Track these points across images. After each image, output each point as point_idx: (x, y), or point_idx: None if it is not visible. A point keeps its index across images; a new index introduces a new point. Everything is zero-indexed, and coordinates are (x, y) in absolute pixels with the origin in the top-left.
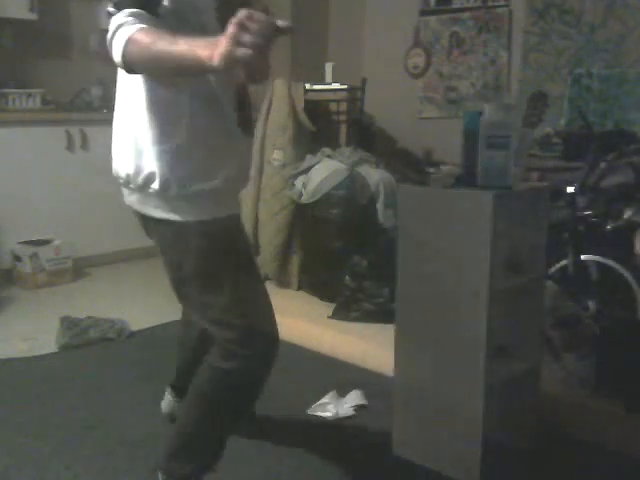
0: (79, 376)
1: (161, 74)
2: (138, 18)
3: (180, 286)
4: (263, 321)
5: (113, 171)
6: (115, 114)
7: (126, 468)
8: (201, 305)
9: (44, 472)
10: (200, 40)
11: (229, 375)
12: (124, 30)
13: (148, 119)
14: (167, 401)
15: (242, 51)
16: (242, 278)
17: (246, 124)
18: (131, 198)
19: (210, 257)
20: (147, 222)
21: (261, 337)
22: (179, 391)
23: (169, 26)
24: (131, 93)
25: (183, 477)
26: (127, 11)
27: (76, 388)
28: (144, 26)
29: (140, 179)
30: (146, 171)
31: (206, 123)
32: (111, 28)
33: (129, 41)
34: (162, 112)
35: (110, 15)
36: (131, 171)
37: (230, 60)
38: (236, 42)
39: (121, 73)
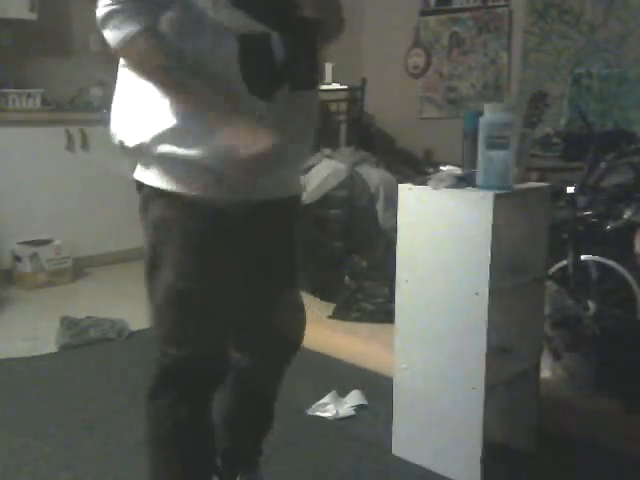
0: (79, 376)
1: (163, 85)
2: (146, 3)
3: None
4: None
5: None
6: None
7: (126, 468)
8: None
9: (44, 472)
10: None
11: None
12: (136, 15)
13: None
14: None
15: None
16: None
17: (266, 91)
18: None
19: (164, 241)
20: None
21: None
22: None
23: (170, 8)
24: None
25: None
26: None
27: (76, 388)
28: (151, 25)
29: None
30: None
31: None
32: (110, 2)
33: (145, 33)
34: None
35: None
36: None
37: None
38: None
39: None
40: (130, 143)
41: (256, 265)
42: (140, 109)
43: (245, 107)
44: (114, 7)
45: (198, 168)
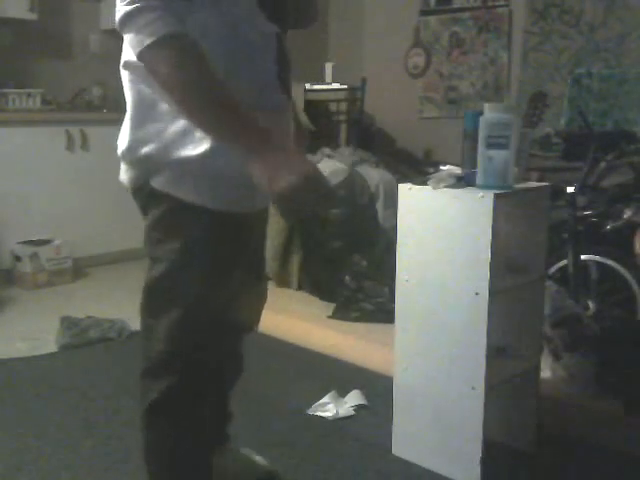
0: (79, 376)
1: (187, 107)
2: (176, 6)
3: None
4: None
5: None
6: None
7: (126, 469)
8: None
9: (44, 472)
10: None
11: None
12: (165, 17)
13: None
14: None
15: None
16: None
17: (287, 85)
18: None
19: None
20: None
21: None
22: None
23: (198, 13)
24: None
25: None
26: None
27: (76, 388)
28: (181, 30)
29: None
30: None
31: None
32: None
33: (177, 37)
34: None
35: None
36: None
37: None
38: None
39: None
40: (159, 157)
41: (253, 264)
42: (174, 123)
43: (272, 122)
44: (139, 4)
45: (233, 183)
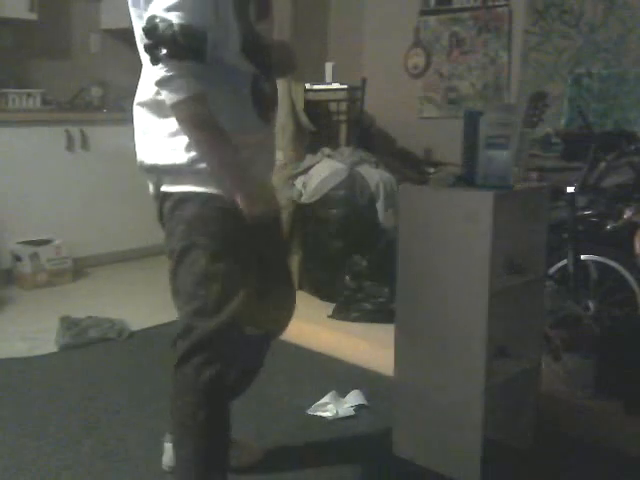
0: (79, 376)
1: (195, 145)
2: (193, 70)
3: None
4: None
5: (142, 164)
6: (139, 107)
7: (126, 468)
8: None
9: (44, 472)
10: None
11: (191, 377)
12: (188, 84)
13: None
14: (169, 453)
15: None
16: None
17: (264, 115)
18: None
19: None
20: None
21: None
22: None
23: (210, 68)
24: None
25: None
26: (182, 62)
27: (76, 388)
28: (200, 92)
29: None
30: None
31: (224, 111)
32: (166, 71)
33: (194, 99)
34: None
35: (154, 53)
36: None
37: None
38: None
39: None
40: (171, 163)
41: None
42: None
43: (256, 139)
44: (171, 74)
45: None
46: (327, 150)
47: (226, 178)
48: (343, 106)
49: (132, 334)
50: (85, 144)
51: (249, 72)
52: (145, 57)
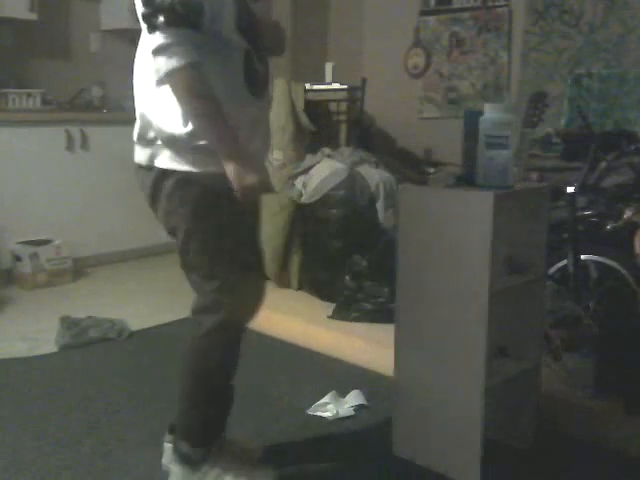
0: (79, 376)
1: (190, 114)
2: (190, 39)
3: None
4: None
5: (144, 132)
6: (139, 75)
7: (126, 468)
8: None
9: (44, 472)
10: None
11: (205, 339)
12: (185, 52)
13: (156, 79)
14: (169, 453)
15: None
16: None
17: (255, 90)
18: (145, 153)
19: (208, 210)
20: (158, 179)
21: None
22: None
23: (206, 40)
24: (148, 56)
25: (190, 460)
26: (179, 30)
27: (76, 388)
28: (195, 61)
29: (167, 133)
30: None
31: (216, 82)
32: (164, 38)
33: (191, 67)
34: None
35: (152, 21)
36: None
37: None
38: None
39: (144, 44)
40: (170, 132)
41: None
42: (171, 110)
43: (248, 113)
44: (168, 41)
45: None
46: (327, 150)
47: (218, 148)
48: (343, 106)
49: (132, 334)
50: (85, 144)
51: (242, 48)
52: (143, 26)
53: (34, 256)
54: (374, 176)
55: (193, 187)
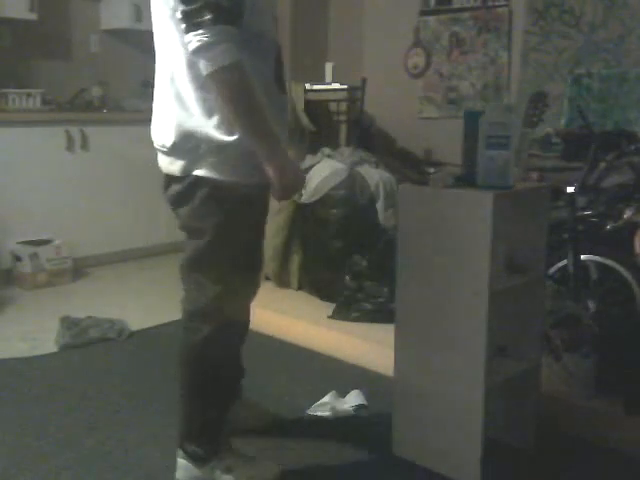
0: (79, 376)
1: (235, 115)
2: (234, 36)
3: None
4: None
5: (158, 140)
6: (161, 86)
7: (126, 468)
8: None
9: (44, 472)
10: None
11: (199, 344)
12: (231, 50)
13: (197, 85)
14: (183, 467)
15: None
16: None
17: (281, 82)
18: (177, 163)
19: (233, 219)
20: (184, 185)
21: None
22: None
23: (244, 35)
24: (182, 61)
25: (196, 456)
26: (226, 27)
27: (76, 388)
28: (241, 59)
29: (192, 142)
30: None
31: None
32: (208, 37)
33: (237, 66)
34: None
35: (195, 18)
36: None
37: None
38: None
39: (170, 41)
40: (219, 140)
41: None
42: (216, 117)
43: (276, 108)
44: (214, 39)
45: (254, 163)
46: (327, 150)
47: (262, 146)
48: (343, 106)
49: (132, 334)
50: (85, 144)
51: (275, 41)
52: (178, 26)
53: (34, 256)
54: (374, 176)
55: (227, 195)
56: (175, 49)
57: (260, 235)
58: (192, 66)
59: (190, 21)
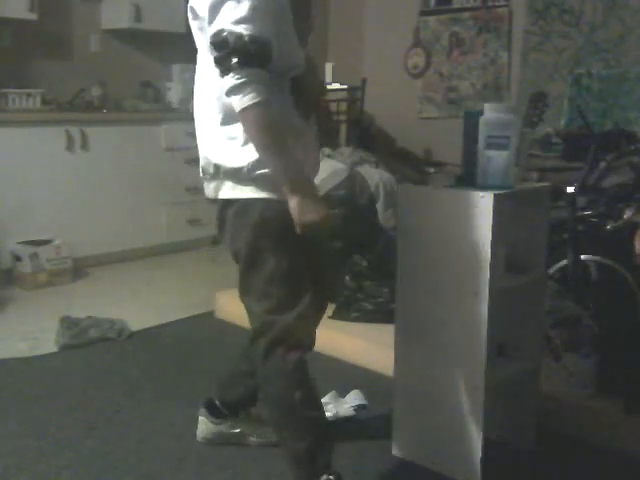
0: (79, 376)
1: (260, 149)
2: (261, 77)
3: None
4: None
5: (207, 167)
6: (202, 113)
7: (126, 468)
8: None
9: (44, 472)
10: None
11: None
12: (258, 90)
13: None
14: (203, 425)
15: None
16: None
17: (308, 116)
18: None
19: (265, 236)
20: (229, 207)
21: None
22: (214, 410)
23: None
24: (215, 91)
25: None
26: (252, 69)
27: (76, 388)
28: (268, 98)
29: (235, 166)
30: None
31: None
32: (237, 79)
33: (264, 104)
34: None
35: (226, 63)
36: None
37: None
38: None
39: (206, 73)
40: (231, 166)
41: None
42: (241, 143)
43: (302, 140)
44: (242, 80)
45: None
46: (327, 150)
47: (285, 182)
48: (343, 106)
49: (132, 334)
50: (85, 144)
51: (291, 75)
52: (213, 69)
53: (34, 256)
54: (374, 176)
55: (254, 212)
56: (207, 85)
57: (299, 250)
58: (221, 101)
59: (222, 66)
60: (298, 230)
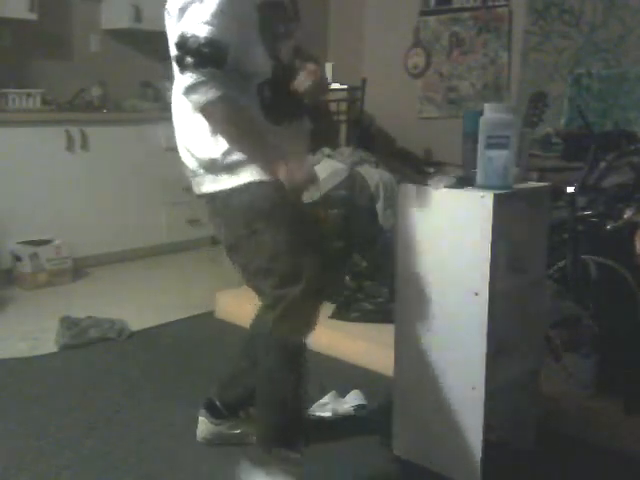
0: (79, 376)
1: (230, 142)
2: (220, 77)
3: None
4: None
5: (187, 161)
6: (175, 108)
7: (126, 468)
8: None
9: (44, 472)
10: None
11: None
12: (215, 87)
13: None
14: (203, 425)
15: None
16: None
17: (274, 117)
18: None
19: (253, 213)
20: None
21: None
22: (215, 410)
23: (230, 75)
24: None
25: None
26: (206, 69)
27: (76, 388)
28: (224, 94)
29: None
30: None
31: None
32: (193, 78)
33: (221, 99)
34: None
35: (182, 62)
36: (212, 155)
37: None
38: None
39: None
40: (206, 157)
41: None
42: (210, 132)
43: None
44: (198, 80)
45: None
46: (327, 150)
47: (261, 161)
48: (343, 106)
49: (132, 334)
50: (85, 144)
51: (259, 80)
52: (175, 67)
53: (34, 256)
54: (374, 176)
55: (237, 200)
56: (177, 84)
57: (289, 222)
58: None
59: (179, 65)
60: (291, 196)
